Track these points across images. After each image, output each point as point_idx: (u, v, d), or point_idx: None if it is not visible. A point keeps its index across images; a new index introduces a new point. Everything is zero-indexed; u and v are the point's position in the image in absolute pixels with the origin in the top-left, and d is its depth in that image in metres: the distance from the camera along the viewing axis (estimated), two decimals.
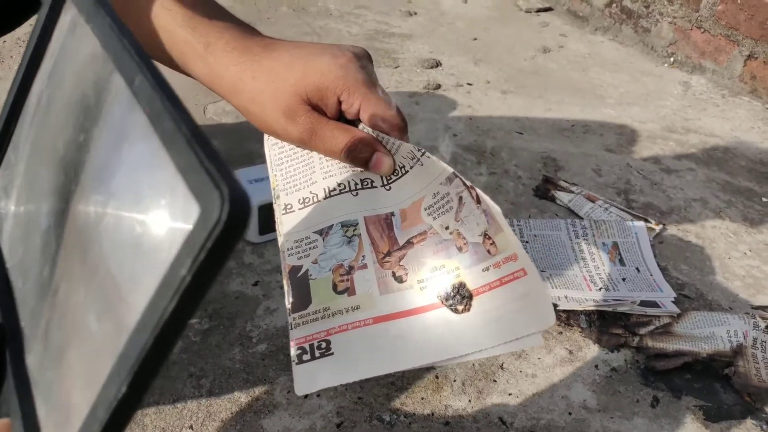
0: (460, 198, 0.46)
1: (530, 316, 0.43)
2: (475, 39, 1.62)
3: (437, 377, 0.67)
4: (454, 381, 0.67)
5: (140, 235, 0.20)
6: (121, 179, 0.21)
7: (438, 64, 1.43)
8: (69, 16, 0.26)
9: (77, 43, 0.25)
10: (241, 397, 0.63)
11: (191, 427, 0.60)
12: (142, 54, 0.21)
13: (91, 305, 0.21)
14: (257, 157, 0.92)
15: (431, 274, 0.47)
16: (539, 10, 1.85)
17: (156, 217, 0.19)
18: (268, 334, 0.71)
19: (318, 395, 0.64)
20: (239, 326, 0.71)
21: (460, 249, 0.46)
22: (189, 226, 0.17)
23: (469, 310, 0.45)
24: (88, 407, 0.19)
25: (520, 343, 0.44)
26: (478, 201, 0.45)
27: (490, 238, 0.45)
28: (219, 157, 0.17)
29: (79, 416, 0.20)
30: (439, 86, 1.32)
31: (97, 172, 0.23)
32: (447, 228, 0.47)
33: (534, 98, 1.33)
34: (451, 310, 0.45)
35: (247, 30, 0.52)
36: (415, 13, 1.74)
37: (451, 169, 0.46)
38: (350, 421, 0.62)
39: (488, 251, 0.45)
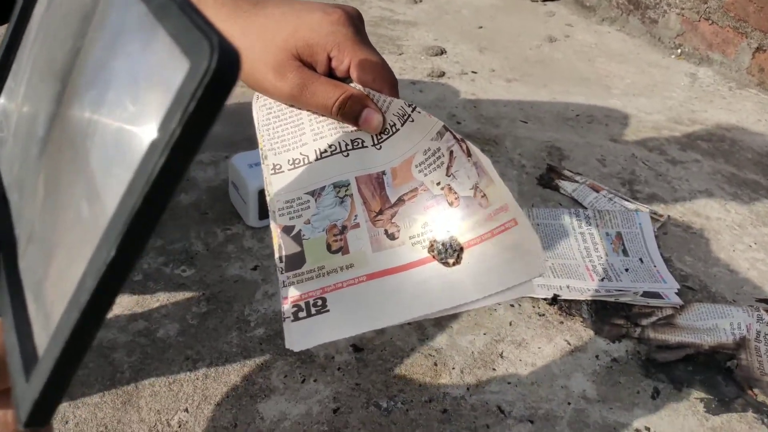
0: (451, 152, 0.46)
1: (521, 266, 0.44)
2: (481, 27, 1.60)
3: (436, 364, 0.67)
4: (453, 368, 0.66)
5: (134, 112, 0.19)
6: (116, 67, 0.21)
7: (443, 52, 1.41)
8: None
9: None
10: (238, 381, 0.63)
11: (186, 410, 0.60)
12: None
13: (81, 194, 0.21)
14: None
15: (422, 229, 0.47)
16: (546, 0, 1.83)
17: (149, 88, 0.19)
18: (266, 318, 0.70)
19: (315, 380, 0.63)
20: (237, 310, 0.71)
21: (451, 204, 0.47)
22: (179, 80, 0.17)
23: (459, 262, 0.46)
24: (76, 284, 0.19)
25: (511, 292, 0.44)
26: (469, 154, 0.45)
27: (481, 190, 0.45)
28: (209, 21, 0.17)
29: (68, 295, 0.19)
30: (443, 74, 1.31)
31: (92, 68, 0.23)
32: (438, 184, 0.47)
33: (539, 87, 1.32)
34: (443, 263, 0.46)
35: None
36: (421, 1, 1.72)
37: (441, 123, 0.46)
38: (347, 406, 0.61)
39: (479, 204, 0.45)
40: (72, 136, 0.23)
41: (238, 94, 1.04)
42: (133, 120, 0.19)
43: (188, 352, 0.65)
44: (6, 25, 0.30)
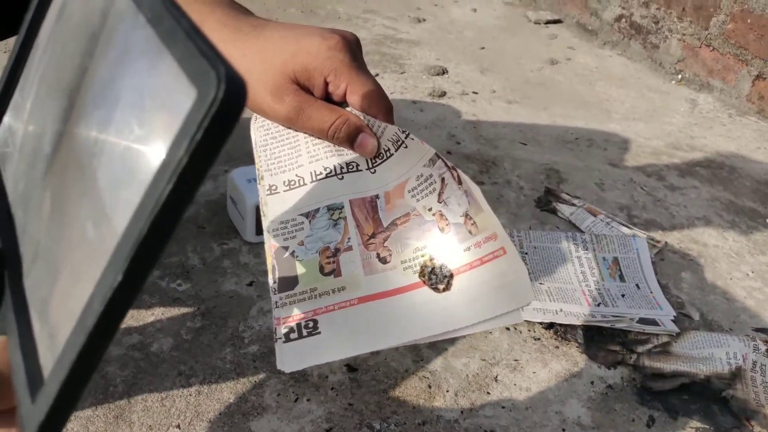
0: (443, 179, 0.47)
1: (510, 294, 0.45)
2: (483, 48, 1.61)
3: (430, 387, 0.66)
4: (447, 391, 0.66)
5: (140, 135, 0.20)
6: (122, 89, 0.22)
7: (444, 72, 1.42)
8: None
9: None
10: (230, 398, 0.62)
11: (178, 426, 0.59)
12: None
13: (88, 215, 0.21)
14: None
15: (414, 254, 0.48)
16: (548, 22, 1.85)
17: (156, 113, 0.19)
18: (261, 335, 0.70)
19: (308, 399, 0.63)
20: (232, 326, 0.70)
21: (442, 230, 0.47)
22: (186, 109, 0.17)
23: (449, 288, 0.46)
24: (83, 306, 0.19)
25: (500, 320, 0.45)
26: (460, 182, 0.46)
27: (471, 218, 0.46)
28: (216, 49, 0.18)
29: (74, 317, 0.19)
30: (444, 93, 1.32)
31: (98, 88, 0.23)
32: (430, 209, 0.48)
33: (539, 110, 1.32)
34: (433, 289, 0.47)
35: (239, 9, 0.53)
36: (424, 20, 1.73)
37: (433, 150, 0.47)
38: (339, 427, 0.61)
39: (469, 231, 0.46)
40: (78, 154, 0.23)
41: None
42: (139, 142, 0.20)
43: (182, 367, 0.65)
44: (14, 37, 0.30)
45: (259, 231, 0.81)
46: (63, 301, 0.21)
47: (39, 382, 0.21)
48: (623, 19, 1.72)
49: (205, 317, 0.71)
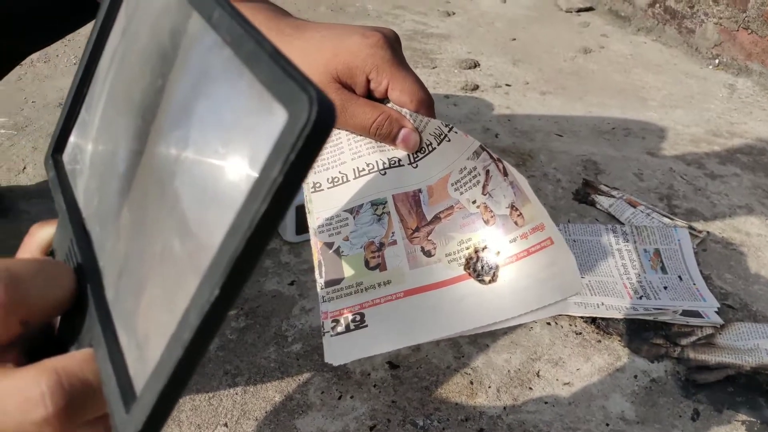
0: (487, 171, 0.47)
1: (557, 284, 0.44)
2: (514, 39, 1.60)
3: (472, 383, 0.67)
4: (489, 387, 0.66)
5: (225, 155, 0.20)
6: (202, 109, 0.22)
7: (476, 65, 1.42)
8: None
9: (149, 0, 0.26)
10: (276, 397, 0.64)
11: (226, 424, 0.61)
12: None
13: (172, 232, 0.22)
14: None
15: (459, 247, 0.48)
16: (580, 10, 1.82)
17: (241, 133, 0.20)
18: (303, 333, 0.71)
19: (351, 396, 0.64)
20: (275, 325, 0.72)
21: (486, 222, 0.47)
22: (278, 130, 0.18)
23: (495, 280, 0.46)
24: (176, 321, 0.20)
25: (547, 310, 0.45)
26: (505, 173, 0.46)
27: (517, 209, 0.46)
28: (301, 70, 0.18)
29: (166, 331, 0.20)
30: (477, 87, 1.31)
31: (177, 109, 0.23)
32: (474, 202, 0.48)
33: (574, 100, 1.31)
34: (479, 281, 0.47)
35: (279, 12, 0.54)
36: (454, 14, 1.73)
37: (478, 143, 0.47)
38: (383, 424, 0.62)
39: (515, 222, 0.46)
40: (158, 174, 0.23)
41: None
42: (225, 163, 0.20)
43: (227, 366, 0.66)
44: (86, 38, 0.31)
45: (299, 230, 0.82)
46: (151, 313, 0.22)
47: (132, 393, 0.21)
48: (657, 4, 1.69)
49: (249, 317, 0.72)
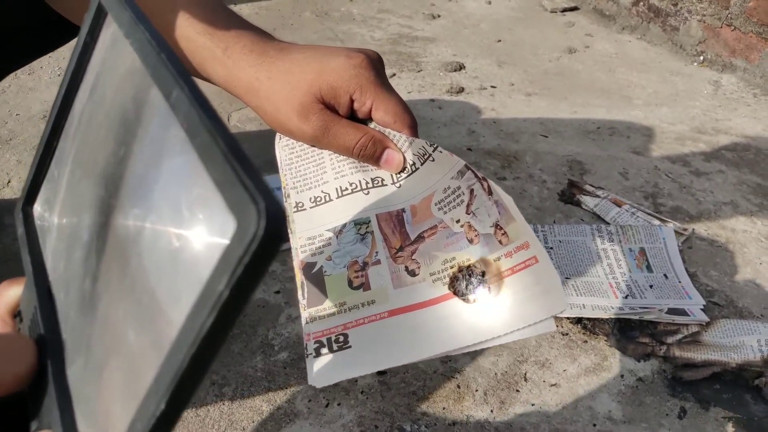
0: (471, 190, 0.47)
1: (542, 303, 0.44)
2: (499, 41, 1.60)
3: (459, 387, 0.67)
4: (476, 391, 0.66)
5: (178, 250, 0.20)
6: (159, 193, 0.21)
7: (461, 67, 1.42)
8: (109, 31, 0.26)
9: (117, 57, 0.25)
10: (263, 406, 0.64)
11: None
12: (179, 68, 0.21)
13: (130, 319, 0.21)
14: None
15: (443, 266, 0.48)
16: (564, 10, 1.83)
17: (193, 232, 0.19)
18: (290, 342, 0.71)
19: (339, 404, 0.64)
20: (261, 334, 0.72)
21: (471, 241, 0.47)
22: (226, 241, 0.17)
23: (480, 300, 0.46)
24: (127, 423, 0.19)
25: (532, 329, 0.44)
26: (490, 192, 0.46)
27: (501, 228, 0.46)
28: (255, 171, 0.17)
29: (121, 429, 0.20)
30: (462, 89, 1.32)
31: (136, 185, 0.23)
32: (458, 221, 0.48)
33: (559, 100, 1.32)
34: (463, 300, 0.46)
35: (263, 35, 0.54)
36: (439, 16, 1.73)
37: (462, 162, 0.47)
38: (371, 430, 0.62)
39: (500, 241, 0.46)
40: (119, 251, 0.23)
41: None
42: (176, 258, 0.20)
43: (214, 376, 0.66)
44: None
45: (285, 239, 0.82)
46: (109, 404, 0.22)
47: None
48: (641, 3, 1.70)
49: (235, 326, 0.72)
